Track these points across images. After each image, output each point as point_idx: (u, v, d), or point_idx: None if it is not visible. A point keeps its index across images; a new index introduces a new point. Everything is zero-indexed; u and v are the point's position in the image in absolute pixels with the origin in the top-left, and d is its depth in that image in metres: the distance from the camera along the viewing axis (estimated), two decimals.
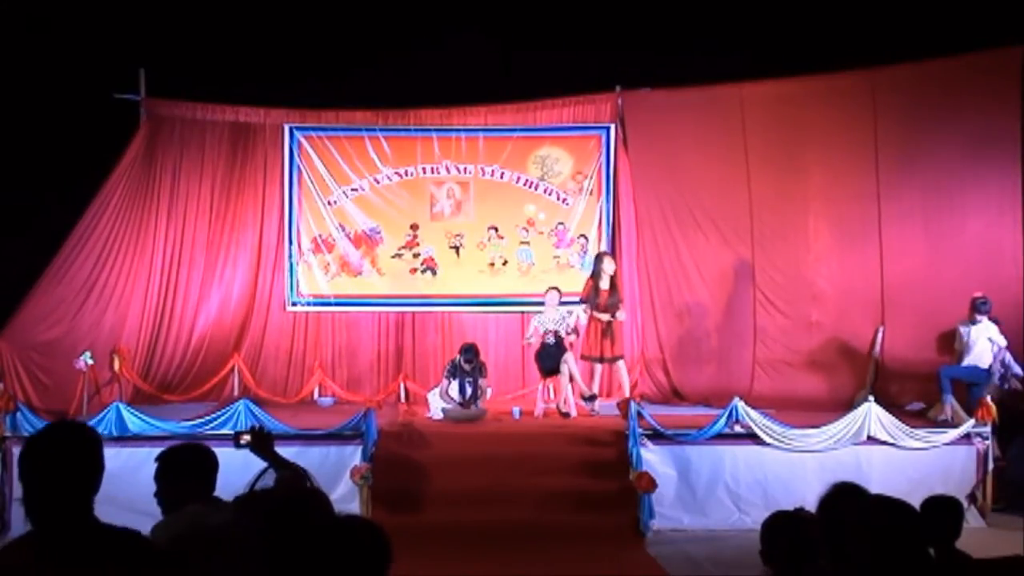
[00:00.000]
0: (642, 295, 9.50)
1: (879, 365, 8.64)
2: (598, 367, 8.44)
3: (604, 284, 8.37)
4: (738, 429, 7.18)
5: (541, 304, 8.62)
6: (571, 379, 8.20)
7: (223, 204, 9.61)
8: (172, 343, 9.35)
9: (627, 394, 8.31)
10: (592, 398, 8.17)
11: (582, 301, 8.47)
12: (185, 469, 2.90)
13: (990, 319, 7.72)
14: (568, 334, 8.36)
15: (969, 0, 7.87)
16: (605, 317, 8.33)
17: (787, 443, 7.17)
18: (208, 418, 7.16)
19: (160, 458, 2.95)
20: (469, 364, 8.09)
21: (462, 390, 8.13)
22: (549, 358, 8.30)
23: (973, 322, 7.75)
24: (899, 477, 6.72)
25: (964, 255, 8.22)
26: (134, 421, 7.12)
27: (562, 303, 8.58)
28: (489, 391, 8.36)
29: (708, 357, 9.30)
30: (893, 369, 8.54)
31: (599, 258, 8.63)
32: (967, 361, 7.72)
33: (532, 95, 9.64)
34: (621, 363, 8.45)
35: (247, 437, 3.19)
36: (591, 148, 9.77)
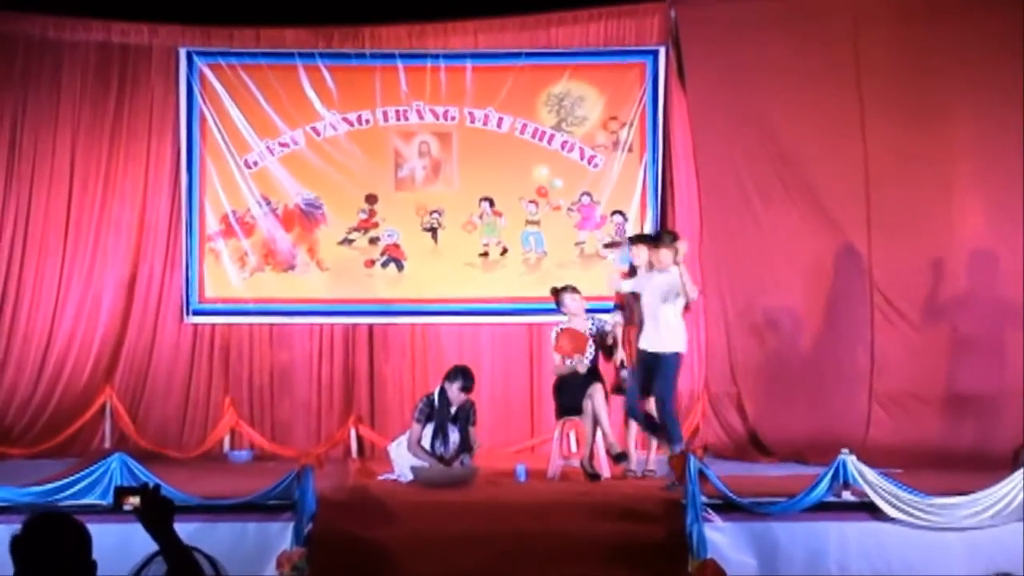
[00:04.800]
0: (706, 299, 9.54)
1: None
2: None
3: None
4: (848, 496, 7.08)
5: (556, 313, 8.57)
6: (597, 424, 8.16)
7: (89, 166, 9.60)
8: (12, 371, 9.37)
9: (653, 444, 8.30)
10: (622, 456, 8.16)
11: (617, 307, 8.44)
12: (42, 551, 2.92)
13: None
14: (611, 344, 8.32)
15: None
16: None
17: (921, 517, 7.05)
18: (66, 481, 7.02)
19: (17, 539, 2.97)
20: (464, 392, 8.08)
21: (442, 439, 8.11)
22: (572, 390, 8.28)
23: None
24: None
25: None
26: None
27: (588, 311, 8.51)
28: (476, 444, 8.31)
29: (802, 390, 9.31)
30: None
31: (630, 244, 8.61)
32: None
33: (544, 5, 9.70)
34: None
35: (134, 500, 3.18)
36: (630, 83, 9.76)
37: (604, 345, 8.34)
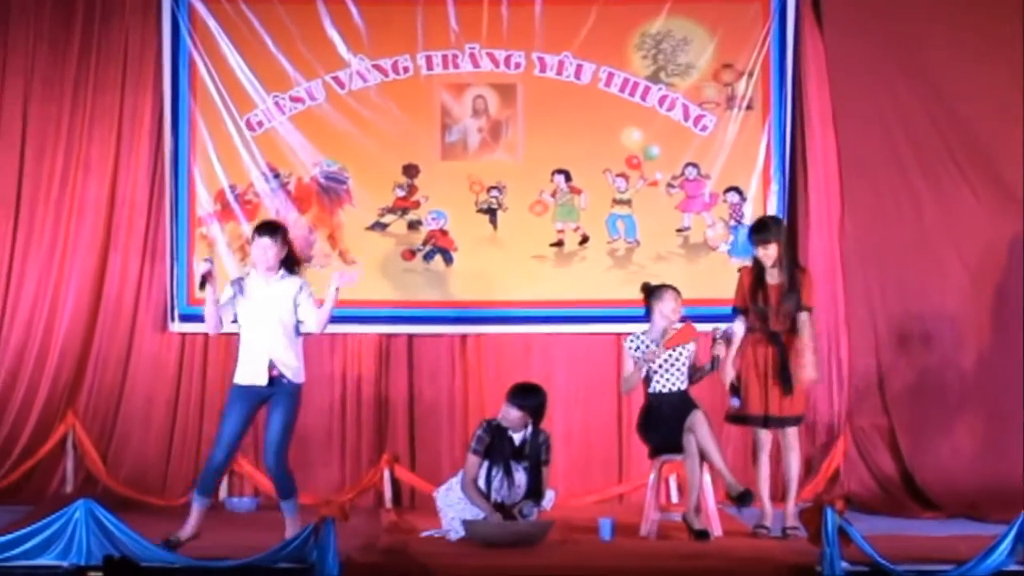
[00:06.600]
0: (848, 301, 9.58)
1: None
2: (763, 436, 8.32)
3: (773, 278, 8.26)
4: None
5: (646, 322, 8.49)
6: (704, 461, 8.10)
7: (47, 128, 9.61)
8: None
9: (792, 490, 8.20)
10: (745, 497, 8.06)
11: (736, 311, 8.35)
12: None
13: None
14: (707, 365, 8.33)
15: None
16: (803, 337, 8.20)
17: None
18: (15, 536, 6.92)
19: None
20: (520, 411, 7.99)
21: (504, 480, 8.08)
22: (664, 423, 8.21)
23: None
24: None
25: None
26: None
27: (686, 319, 8.40)
28: (551, 494, 8.28)
29: (975, 423, 9.37)
30: None
31: (754, 230, 8.52)
32: None
33: None
34: (795, 432, 8.34)
35: None
36: (750, 20, 9.78)
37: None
